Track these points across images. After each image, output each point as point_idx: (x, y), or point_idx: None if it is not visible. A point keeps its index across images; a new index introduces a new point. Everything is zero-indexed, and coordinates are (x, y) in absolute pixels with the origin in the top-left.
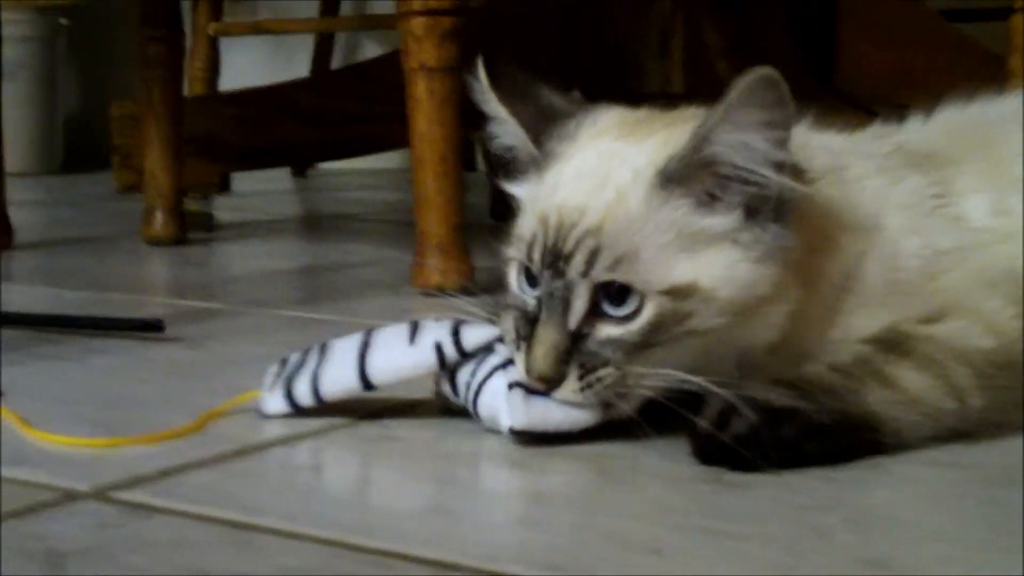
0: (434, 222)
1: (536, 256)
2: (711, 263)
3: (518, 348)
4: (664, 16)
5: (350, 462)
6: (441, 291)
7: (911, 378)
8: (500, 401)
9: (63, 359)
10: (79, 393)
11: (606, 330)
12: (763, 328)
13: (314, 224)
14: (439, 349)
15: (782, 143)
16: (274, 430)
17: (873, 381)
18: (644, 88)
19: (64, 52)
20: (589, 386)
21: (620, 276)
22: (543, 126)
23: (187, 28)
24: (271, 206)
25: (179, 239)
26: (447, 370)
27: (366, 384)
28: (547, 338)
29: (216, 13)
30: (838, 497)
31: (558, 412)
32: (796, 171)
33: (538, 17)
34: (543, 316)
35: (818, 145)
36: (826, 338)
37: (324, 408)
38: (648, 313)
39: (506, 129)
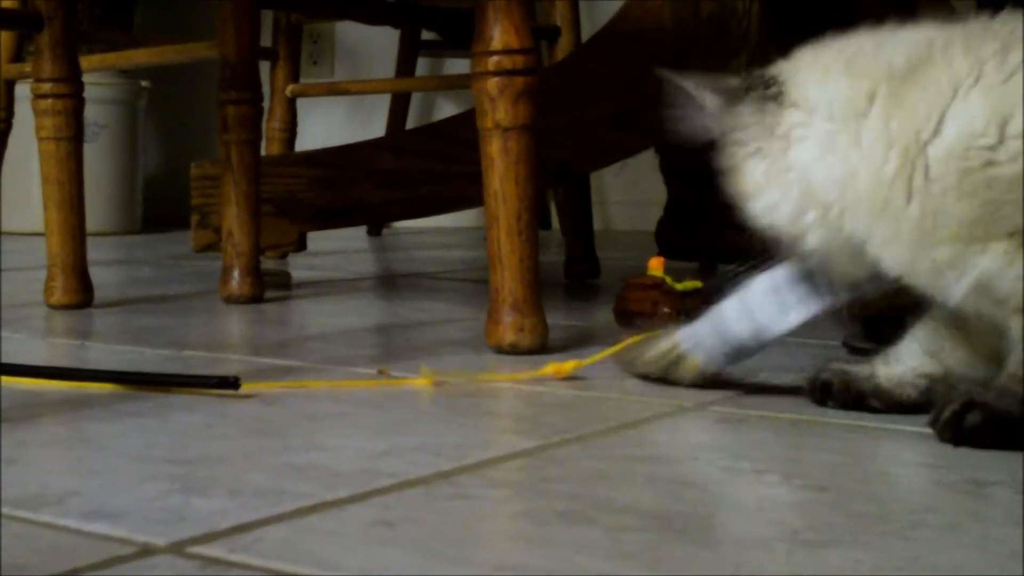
0: (508, 280)
1: None
2: None
3: None
4: (742, 70)
5: (422, 520)
6: (515, 349)
7: None
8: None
9: (141, 415)
10: (157, 449)
11: None
12: None
13: (389, 283)
14: None
15: None
16: (348, 486)
17: None
18: None
19: (145, 114)
20: None
21: None
22: None
23: (265, 89)
24: (347, 265)
25: (256, 298)
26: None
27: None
28: None
29: (294, 75)
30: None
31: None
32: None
33: (612, 73)
34: None
35: None
36: None
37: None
38: None
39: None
